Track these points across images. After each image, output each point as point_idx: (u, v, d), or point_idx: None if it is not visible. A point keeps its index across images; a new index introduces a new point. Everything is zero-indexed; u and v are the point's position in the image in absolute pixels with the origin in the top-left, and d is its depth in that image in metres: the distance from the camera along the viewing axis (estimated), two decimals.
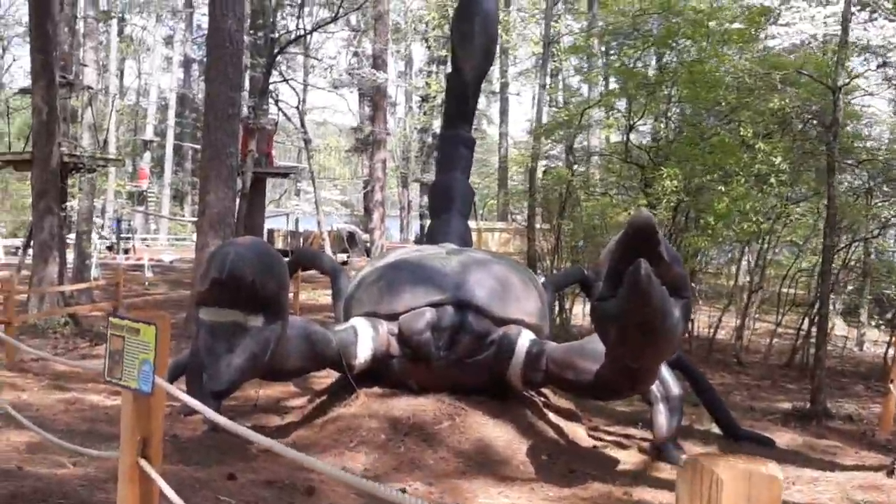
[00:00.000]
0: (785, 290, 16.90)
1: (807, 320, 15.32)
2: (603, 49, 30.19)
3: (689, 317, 7.53)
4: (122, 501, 3.95)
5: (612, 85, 29.96)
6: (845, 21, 11.09)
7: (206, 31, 62.49)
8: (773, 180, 12.87)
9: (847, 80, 11.35)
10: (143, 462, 3.89)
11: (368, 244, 30.00)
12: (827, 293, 11.47)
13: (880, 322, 18.38)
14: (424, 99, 51.10)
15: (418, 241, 53.95)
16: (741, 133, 13.06)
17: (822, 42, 17.03)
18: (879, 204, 14.84)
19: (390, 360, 8.71)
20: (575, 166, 17.82)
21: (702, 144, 13.10)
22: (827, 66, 13.37)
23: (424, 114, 51.59)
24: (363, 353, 8.59)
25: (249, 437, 3.82)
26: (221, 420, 3.97)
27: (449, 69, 13.18)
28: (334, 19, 22.34)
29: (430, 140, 55.20)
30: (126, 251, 33.31)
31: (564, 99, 40.46)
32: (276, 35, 19.74)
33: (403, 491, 7.12)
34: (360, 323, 8.75)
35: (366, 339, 8.62)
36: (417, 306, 8.63)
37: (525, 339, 8.58)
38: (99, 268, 24.19)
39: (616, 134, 19.86)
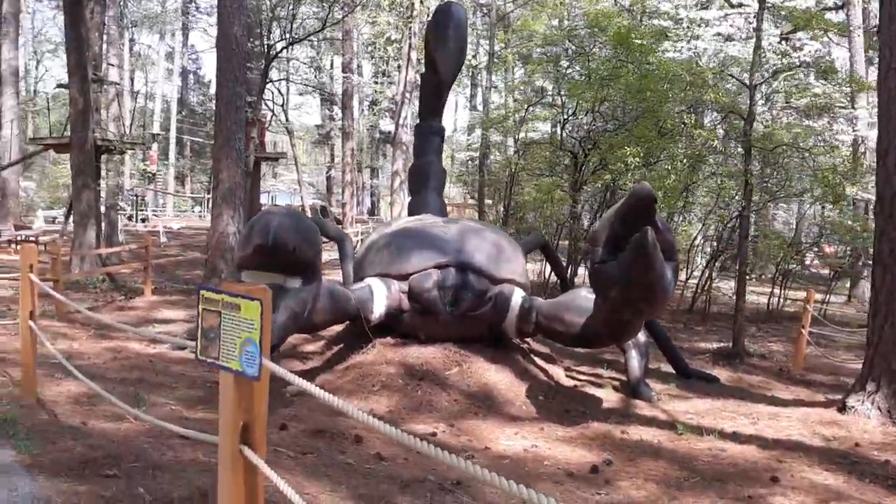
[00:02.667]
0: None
1: (706, 274, 14.52)
2: (519, 63, 29.33)
3: (677, 277, 6.50)
4: (225, 491, 2.74)
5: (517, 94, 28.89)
6: (758, 31, 10.11)
7: (198, 50, 60.36)
8: (710, 160, 12.00)
9: (761, 80, 10.41)
10: (246, 450, 2.68)
11: (339, 216, 28.59)
12: (745, 253, 10.59)
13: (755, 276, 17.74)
14: (373, 103, 49.42)
15: (370, 213, 52.75)
16: (685, 121, 12.12)
17: (706, 53, 16.17)
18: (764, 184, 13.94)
19: (401, 315, 7.64)
20: (517, 154, 16.71)
21: (653, 131, 12.04)
22: (716, 73, 12.59)
23: (374, 114, 49.92)
24: (378, 309, 7.50)
25: (312, 391, 2.79)
26: (283, 372, 2.88)
27: (421, 71, 12.10)
28: (322, 29, 20.77)
29: (377, 135, 53.98)
30: (143, 220, 31.47)
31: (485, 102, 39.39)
32: (271, 43, 18.31)
33: (434, 434, 6.04)
34: (374, 282, 7.65)
35: (380, 296, 7.54)
36: (425, 268, 7.56)
37: (518, 296, 7.64)
38: (123, 233, 22.58)
39: (544, 128, 18.95)
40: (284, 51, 21.16)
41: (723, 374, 9.11)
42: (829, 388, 8.73)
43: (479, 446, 5.74)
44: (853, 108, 15.87)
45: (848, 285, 19.88)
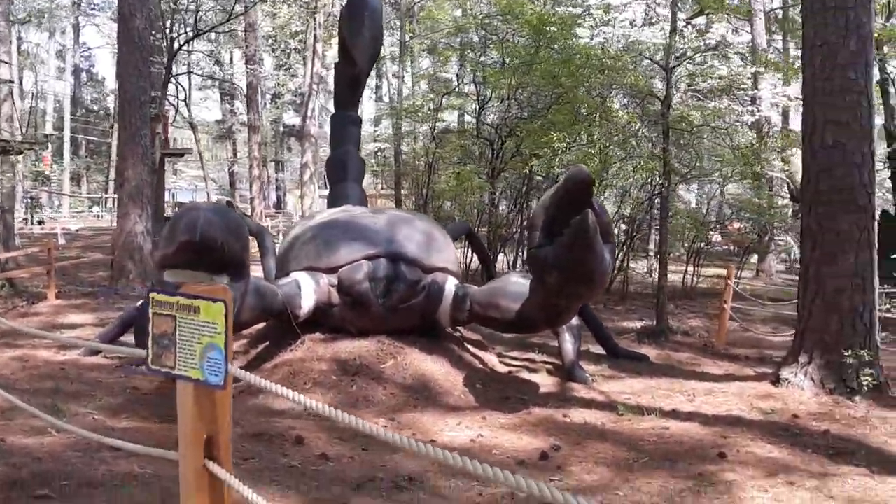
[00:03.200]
0: None
1: (622, 254, 14.67)
2: (425, 53, 29.11)
3: (614, 259, 6.43)
4: None
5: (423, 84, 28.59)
6: (674, 15, 10.20)
7: (91, 47, 58.03)
8: (633, 142, 12.07)
9: (677, 63, 10.51)
10: (211, 465, 2.42)
11: (245, 211, 27.80)
12: (665, 234, 10.69)
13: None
14: (276, 96, 48.52)
15: (276, 207, 51.69)
16: (606, 104, 12.14)
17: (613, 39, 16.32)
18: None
19: (331, 309, 7.34)
20: (434, 142, 16.51)
21: (570, 115, 12.02)
22: (633, 57, 12.73)
23: (277, 108, 49.01)
24: (306, 304, 7.20)
25: (292, 398, 2.59)
26: (248, 377, 2.76)
27: (327, 62, 11.80)
28: (227, 20, 20.02)
29: (280, 129, 53.02)
30: (40, 222, 30.00)
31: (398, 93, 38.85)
32: (174, 36, 17.55)
33: None
34: (301, 277, 7.34)
35: (308, 291, 7.23)
36: (355, 260, 7.29)
37: (451, 285, 7.49)
38: (18, 237, 21.32)
39: (451, 118, 18.78)
40: (186, 45, 20.37)
41: (650, 352, 9.16)
42: (754, 362, 8.89)
43: (423, 439, 5.55)
44: (757, 89, 16.28)
45: (755, 260, 20.47)
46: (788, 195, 17.42)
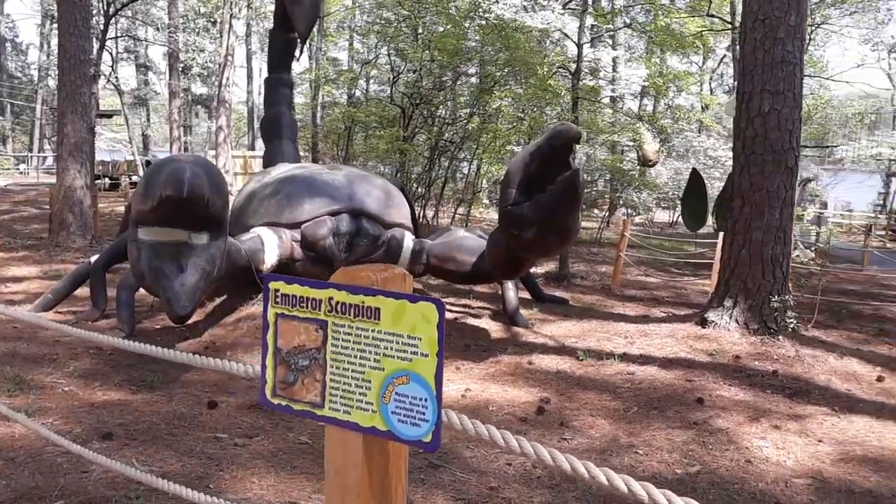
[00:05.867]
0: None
1: None
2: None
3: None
4: None
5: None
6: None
7: (14, 18, 51.27)
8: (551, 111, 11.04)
9: (587, 41, 9.55)
10: None
11: None
12: None
13: None
14: (186, 68, 44.53)
15: None
16: (532, 80, 10.99)
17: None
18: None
19: (294, 263, 6.05)
20: (354, 108, 14.87)
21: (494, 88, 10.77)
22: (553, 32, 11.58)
23: (187, 79, 44.99)
24: (270, 259, 5.86)
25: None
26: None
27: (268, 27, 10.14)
28: None
29: (190, 97, 48.98)
30: None
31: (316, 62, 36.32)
32: (111, 1, 14.93)
33: None
34: (263, 232, 5.97)
35: (272, 246, 5.89)
36: (318, 215, 6.01)
37: (409, 239, 6.34)
38: None
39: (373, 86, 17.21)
40: (115, 14, 17.59)
41: (562, 295, 8.33)
42: (652, 302, 8.25)
43: None
44: (615, 72, 15.69)
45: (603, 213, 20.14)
46: (637, 160, 17.05)
